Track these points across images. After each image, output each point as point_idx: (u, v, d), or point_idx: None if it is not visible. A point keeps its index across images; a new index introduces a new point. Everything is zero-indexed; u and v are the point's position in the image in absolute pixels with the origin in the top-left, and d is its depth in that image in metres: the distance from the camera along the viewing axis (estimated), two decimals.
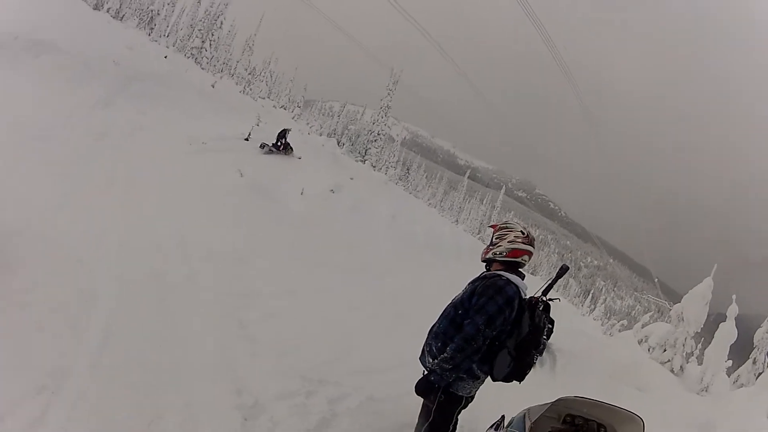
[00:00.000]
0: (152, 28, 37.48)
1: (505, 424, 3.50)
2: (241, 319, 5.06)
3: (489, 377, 3.22)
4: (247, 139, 13.97)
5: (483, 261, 3.42)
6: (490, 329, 3.01)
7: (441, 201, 58.75)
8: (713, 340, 10.40)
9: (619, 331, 25.22)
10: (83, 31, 15.26)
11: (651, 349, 11.19)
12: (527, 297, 3.22)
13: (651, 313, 18.91)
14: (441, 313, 3.35)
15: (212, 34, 38.59)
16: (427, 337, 3.36)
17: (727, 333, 10.23)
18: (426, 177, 64.99)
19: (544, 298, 3.21)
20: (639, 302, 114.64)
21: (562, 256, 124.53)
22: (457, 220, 51.84)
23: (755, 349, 12.37)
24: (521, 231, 3.31)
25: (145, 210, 6.81)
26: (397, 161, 53.32)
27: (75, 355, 3.49)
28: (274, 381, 4.13)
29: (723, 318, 10.44)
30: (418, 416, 3.37)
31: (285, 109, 42.66)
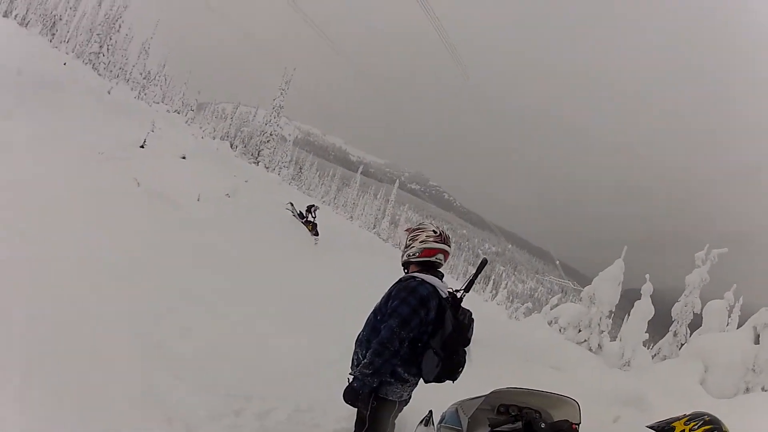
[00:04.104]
0: (54, 34, 37.31)
1: (435, 420, 3.46)
2: (158, 339, 4.80)
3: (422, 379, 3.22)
4: (142, 147, 14.28)
5: (402, 265, 3.42)
6: (405, 331, 2.98)
7: (335, 198, 60.30)
8: (629, 317, 10.58)
9: (524, 314, 26.47)
10: None
11: (562, 330, 11.38)
12: (447, 295, 3.21)
13: (560, 295, 19.73)
14: (366, 321, 3.35)
15: (110, 38, 38.66)
16: (354, 346, 3.33)
17: (643, 310, 10.53)
18: (319, 175, 66.25)
19: (462, 293, 3.23)
20: (541, 284, 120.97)
21: (460, 245, 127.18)
22: (351, 216, 53.06)
23: (675, 322, 12.49)
24: (433, 231, 3.33)
25: (43, 222, 6.35)
26: (290, 161, 54.38)
27: None
28: (201, 402, 4.05)
29: (634, 294, 10.65)
30: (354, 423, 3.35)
31: (179, 113, 42.15)
